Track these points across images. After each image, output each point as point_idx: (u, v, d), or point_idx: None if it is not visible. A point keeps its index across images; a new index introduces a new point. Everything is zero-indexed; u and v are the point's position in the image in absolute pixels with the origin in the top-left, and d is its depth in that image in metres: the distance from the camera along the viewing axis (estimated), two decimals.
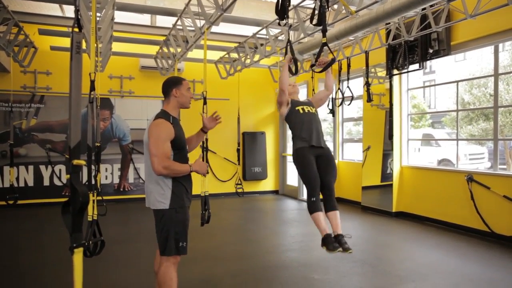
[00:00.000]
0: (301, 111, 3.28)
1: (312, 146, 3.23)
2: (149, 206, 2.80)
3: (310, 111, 3.31)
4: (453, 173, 6.64)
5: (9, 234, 6.37)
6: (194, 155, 2.91)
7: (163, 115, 2.75)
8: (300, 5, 5.70)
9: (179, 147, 2.76)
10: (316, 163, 3.18)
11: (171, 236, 2.68)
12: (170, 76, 2.95)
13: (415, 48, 6.87)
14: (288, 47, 3.30)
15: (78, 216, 2.13)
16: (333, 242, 2.94)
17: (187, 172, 2.72)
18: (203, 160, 2.92)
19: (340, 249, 2.90)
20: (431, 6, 5.66)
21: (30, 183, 8.64)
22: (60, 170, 8.86)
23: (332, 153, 3.46)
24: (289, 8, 3.43)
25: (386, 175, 7.80)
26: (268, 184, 10.87)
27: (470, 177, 6.09)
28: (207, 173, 2.85)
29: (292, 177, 10.55)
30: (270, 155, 10.90)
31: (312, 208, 3.07)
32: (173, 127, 2.71)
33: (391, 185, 7.58)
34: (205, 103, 4.85)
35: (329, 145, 9.89)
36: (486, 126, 12.47)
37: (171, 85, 2.83)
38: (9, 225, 6.97)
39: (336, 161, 9.48)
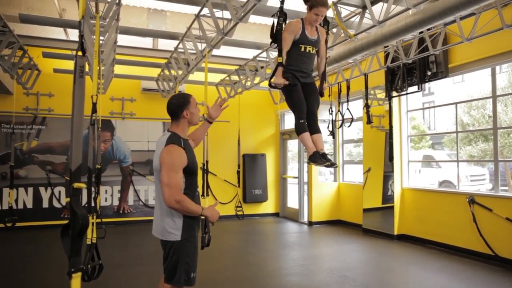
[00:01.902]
0: (302, 48, 3.23)
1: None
2: (156, 236, 2.67)
3: (311, 51, 3.28)
4: (454, 195, 6.60)
5: (7, 257, 6.28)
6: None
7: (174, 139, 2.63)
8: None
9: (191, 173, 2.67)
10: (302, 90, 3.28)
11: (181, 266, 2.58)
12: (174, 94, 2.85)
13: (413, 70, 6.96)
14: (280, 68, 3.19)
15: (77, 239, 2.11)
16: (320, 157, 3.15)
17: (197, 214, 2.58)
18: (213, 199, 2.82)
19: (328, 163, 3.13)
20: (428, 29, 5.77)
21: (29, 205, 8.59)
22: (59, 192, 8.81)
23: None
24: None
25: (387, 197, 7.76)
26: (268, 206, 10.79)
27: (472, 199, 6.05)
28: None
29: (293, 199, 10.49)
30: (271, 177, 10.86)
31: (301, 129, 3.23)
32: (186, 153, 2.61)
33: (392, 207, 7.52)
34: None
35: None
36: (486, 147, 12.47)
37: (180, 106, 2.72)
38: (7, 248, 6.88)
39: (336, 183, 9.47)
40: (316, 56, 3.37)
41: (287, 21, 3.30)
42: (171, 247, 2.60)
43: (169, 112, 2.76)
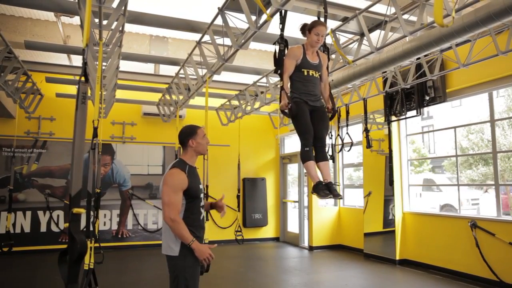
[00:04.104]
0: (305, 73, 3.24)
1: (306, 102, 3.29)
2: (163, 253, 2.81)
3: (314, 75, 3.28)
4: (456, 219, 6.55)
5: (3, 283, 6.16)
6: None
7: (178, 164, 2.84)
8: None
9: (193, 196, 2.82)
10: (310, 116, 3.23)
11: (181, 282, 2.69)
12: (186, 125, 3.03)
13: (411, 95, 7.04)
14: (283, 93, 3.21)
15: (75, 266, 2.10)
16: (324, 189, 3.06)
17: (186, 242, 2.66)
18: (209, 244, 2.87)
19: (331, 195, 3.04)
20: (425, 55, 5.87)
21: (27, 229, 8.49)
22: (58, 216, 8.74)
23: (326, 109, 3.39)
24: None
25: (388, 221, 7.69)
26: (268, 231, 10.68)
27: (474, 223, 6.00)
28: (207, 262, 2.73)
29: (293, 223, 10.39)
30: (271, 201, 10.80)
31: (305, 157, 3.16)
32: (187, 177, 2.77)
33: (393, 231, 7.44)
34: None
35: None
36: (486, 171, 12.45)
37: (187, 135, 2.92)
38: (3, 274, 6.76)
39: (337, 207, 9.40)
40: (320, 80, 3.39)
41: (288, 47, 3.36)
42: (172, 264, 2.75)
43: (179, 141, 2.97)
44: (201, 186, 2.93)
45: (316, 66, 3.28)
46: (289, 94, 3.20)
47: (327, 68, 3.50)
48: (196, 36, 5.53)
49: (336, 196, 3.06)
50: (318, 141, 3.25)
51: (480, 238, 5.91)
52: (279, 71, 3.27)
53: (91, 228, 4.03)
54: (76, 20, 6.78)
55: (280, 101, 3.19)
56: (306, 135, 3.16)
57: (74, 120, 2.35)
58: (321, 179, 3.14)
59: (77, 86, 2.42)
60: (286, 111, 3.17)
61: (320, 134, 3.25)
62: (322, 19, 3.83)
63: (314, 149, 3.25)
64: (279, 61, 3.28)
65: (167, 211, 2.66)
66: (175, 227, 2.64)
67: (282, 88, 3.19)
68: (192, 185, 2.79)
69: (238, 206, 9.04)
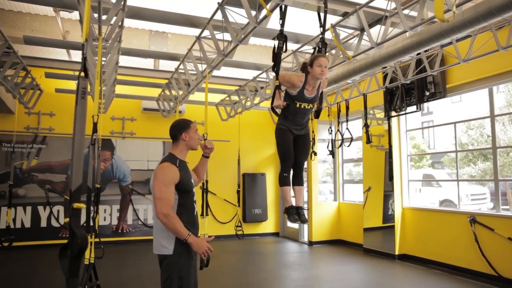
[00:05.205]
0: (297, 105, 3.23)
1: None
2: (155, 253, 2.70)
3: (306, 107, 3.27)
4: (455, 215, 6.57)
5: (3, 277, 6.19)
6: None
7: (169, 158, 2.75)
8: (299, 50, 5.90)
9: (185, 191, 2.73)
10: (294, 141, 3.35)
11: (174, 282, 2.56)
12: (177, 119, 2.99)
13: (412, 90, 7.03)
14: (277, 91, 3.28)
15: (75, 260, 2.11)
16: (294, 214, 3.30)
17: (182, 237, 2.55)
18: (209, 236, 2.84)
19: (299, 221, 3.32)
20: (425, 51, 5.86)
21: (27, 224, 8.51)
22: (58, 211, 8.75)
23: (310, 136, 3.53)
24: (288, 54, 3.51)
25: (387, 216, 7.71)
26: (268, 226, 10.71)
27: (473, 219, 6.02)
28: (205, 256, 2.65)
29: None
30: (271, 196, 10.81)
31: (283, 182, 3.37)
32: (178, 171, 2.69)
33: (393, 226, 7.47)
34: None
35: (330, 186, 9.90)
36: (485, 166, 12.46)
37: (180, 129, 2.85)
38: (4, 268, 6.79)
39: (337, 203, 9.42)
40: (311, 110, 3.41)
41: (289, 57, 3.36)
42: (165, 263, 2.61)
43: (170, 135, 2.89)
44: (192, 180, 2.86)
45: (311, 99, 3.28)
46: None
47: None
48: (196, 31, 5.51)
49: (303, 221, 3.32)
50: (297, 167, 3.41)
51: (479, 233, 5.93)
52: (275, 69, 3.29)
53: (92, 223, 4.05)
54: (75, 15, 6.75)
55: (273, 100, 3.24)
56: (287, 162, 3.32)
57: (73, 116, 2.35)
58: (294, 204, 3.35)
59: (76, 81, 2.41)
60: (277, 110, 3.25)
61: (300, 160, 3.40)
62: (322, 14, 3.82)
63: (293, 173, 3.41)
64: (276, 57, 3.29)
65: (159, 206, 2.54)
66: (169, 222, 2.52)
67: (278, 87, 3.24)
68: (183, 179, 2.70)
69: (238, 201, 9.06)
